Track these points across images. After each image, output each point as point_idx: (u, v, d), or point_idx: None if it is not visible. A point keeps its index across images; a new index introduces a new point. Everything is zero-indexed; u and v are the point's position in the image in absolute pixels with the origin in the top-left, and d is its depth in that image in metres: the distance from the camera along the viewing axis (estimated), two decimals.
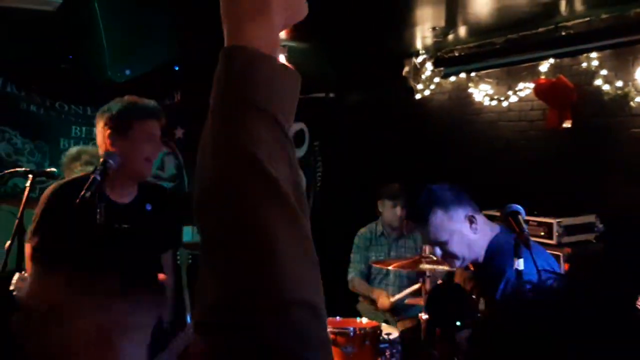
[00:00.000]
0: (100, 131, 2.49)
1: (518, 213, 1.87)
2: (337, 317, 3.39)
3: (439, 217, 2.30)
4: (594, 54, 4.16)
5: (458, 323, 1.36)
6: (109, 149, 2.46)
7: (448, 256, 2.34)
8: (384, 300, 4.28)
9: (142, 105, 2.52)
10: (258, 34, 0.72)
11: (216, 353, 0.65)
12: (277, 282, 0.65)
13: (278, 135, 0.71)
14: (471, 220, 2.28)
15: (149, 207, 2.58)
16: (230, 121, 0.70)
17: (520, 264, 1.74)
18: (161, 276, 2.78)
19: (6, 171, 3.20)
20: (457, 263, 2.32)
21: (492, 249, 2.22)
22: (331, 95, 6.52)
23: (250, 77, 0.70)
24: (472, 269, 2.37)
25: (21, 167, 4.26)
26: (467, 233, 2.28)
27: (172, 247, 2.80)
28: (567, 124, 4.34)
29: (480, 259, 2.29)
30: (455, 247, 2.28)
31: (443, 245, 2.31)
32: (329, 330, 3.07)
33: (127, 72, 3.80)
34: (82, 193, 2.13)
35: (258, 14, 0.72)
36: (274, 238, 0.66)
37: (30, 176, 2.99)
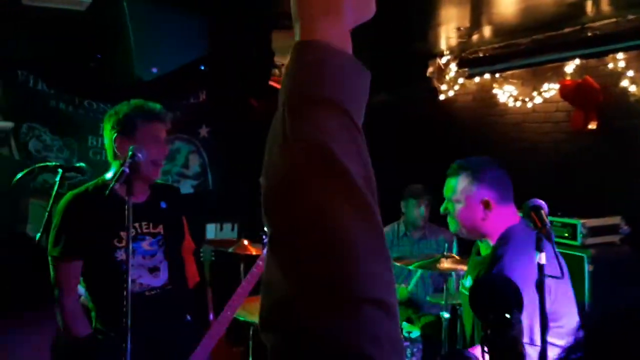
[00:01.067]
0: (107, 134, 2.55)
1: (540, 208, 1.86)
2: None
3: (461, 182, 2.33)
4: (620, 55, 4.12)
5: (507, 316, 1.34)
6: (116, 152, 2.51)
7: (449, 216, 2.38)
8: (401, 290, 4.30)
9: (147, 108, 2.55)
10: (330, 30, 0.73)
11: (282, 350, 0.64)
12: (349, 278, 0.63)
13: (350, 129, 0.70)
14: (486, 204, 2.28)
15: (163, 204, 2.64)
16: (302, 114, 0.70)
17: (542, 258, 1.74)
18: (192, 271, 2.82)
19: (36, 165, 3.27)
20: (456, 229, 2.37)
21: (502, 237, 2.23)
22: None
23: (321, 71, 0.71)
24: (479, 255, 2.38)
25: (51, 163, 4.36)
26: (476, 213, 2.29)
27: (182, 241, 2.81)
28: (592, 126, 4.30)
29: (488, 248, 2.30)
30: (459, 215, 2.32)
31: (450, 203, 2.35)
32: None
33: (154, 70, 3.86)
34: (111, 185, 2.17)
35: (330, 11, 0.74)
36: (346, 233, 0.64)
37: (60, 171, 3.06)
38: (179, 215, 2.75)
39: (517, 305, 1.39)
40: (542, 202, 1.91)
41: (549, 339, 1.90)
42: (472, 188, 2.30)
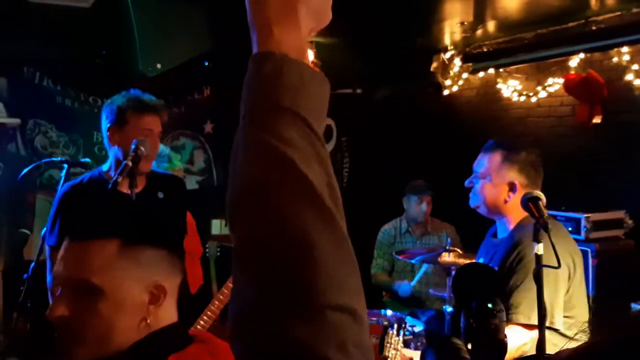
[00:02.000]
0: (102, 124, 2.55)
1: (538, 199, 1.87)
2: None
3: (493, 159, 2.31)
4: (625, 49, 4.10)
5: (490, 306, 1.35)
6: (109, 142, 2.51)
7: (472, 190, 2.37)
8: (404, 287, 4.31)
9: (141, 99, 2.51)
10: (286, 39, 0.74)
11: (249, 358, 0.65)
12: (312, 285, 0.63)
13: (310, 137, 0.72)
14: (511, 187, 2.27)
15: (160, 195, 2.59)
16: (261, 124, 0.72)
17: (539, 248, 1.75)
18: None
19: (43, 160, 3.30)
20: (473, 202, 2.35)
21: (520, 225, 2.23)
22: (358, 91, 6.54)
23: (279, 81, 0.72)
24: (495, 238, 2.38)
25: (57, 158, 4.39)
26: (500, 193, 2.28)
27: (183, 234, 2.77)
28: (597, 120, 4.29)
29: (502, 227, 2.30)
30: (483, 191, 2.31)
31: (477, 177, 2.34)
32: None
33: (158, 66, 3.88)
34: (115, 178, 2.19)
35: (285, 19, 0.74)
36: (309, 239, 0.65)
37: (66, 166, 3.09)
38: (178, 207, 2.69)
39: (499, 294, 1.40)
40: (539, 193, 1.92)
41: (561, 328, 1.93)
42: (502, 167, 2.29)
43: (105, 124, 2.53)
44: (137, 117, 2.47)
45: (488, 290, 1.42)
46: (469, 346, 1.42)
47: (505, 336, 1.41)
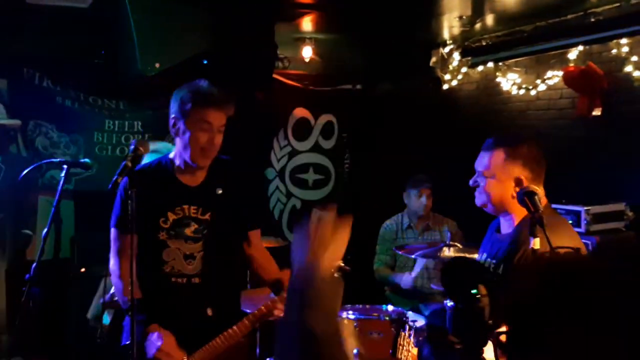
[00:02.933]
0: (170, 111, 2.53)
1: (534, 193, 1.88)
2: (364, 305, 3.43)
3: (495, 157, 2.30)
4: (624, 40, 4.09)
5: (474, 291, 1.43)
6: (175, 135, 2.50)
7: (478, 190, 2.36)
8: (408, 277, 4.32)
9: (202, 91, 2.46)
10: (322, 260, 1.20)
11: None
12: None
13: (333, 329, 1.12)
14: (517, 182, 2.26)
15: (219, 191, 2.55)
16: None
17: (535, 243, 1.76)
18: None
19: (42, 161, 3.31)
20: (481, 202, 2.34)
21: (525, 221, 2.22)
22: (359, 86, 6.54)
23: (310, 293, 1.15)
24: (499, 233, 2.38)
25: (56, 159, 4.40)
26: (506, 190, 2.27)
27: (253, 227, 2.71)
28: (597, 112, 4.28)
29: (511, 227, 2.30)
30: (488, 189, 2.30)
31: (481, 178, 2.33)
32: (356, 316, 3.12)
33: (156, 65, 3.89)
34: (115, 179, 2.20)
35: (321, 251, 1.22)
36: None
37: (65, 167, 3.09)
38: (238, 201, 2.62)
39: (482, 282, 1.45)
40: (535, 187, 1.92)
41: None
42: (506, 164, 2.29)
43: (170, 113, 2.51)
44: (197, 111, 2.43)
45: (472, 279, 1.47)
46: (457, 329, 1.49)
47: (490, 319, 1.47)
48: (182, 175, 2.55)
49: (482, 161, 2.36)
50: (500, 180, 2.29)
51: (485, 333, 1.45)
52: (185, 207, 2.51)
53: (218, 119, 2.47)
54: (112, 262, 2.56)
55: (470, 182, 2.41)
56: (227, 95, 2.55)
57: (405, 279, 4.37)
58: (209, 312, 2.53)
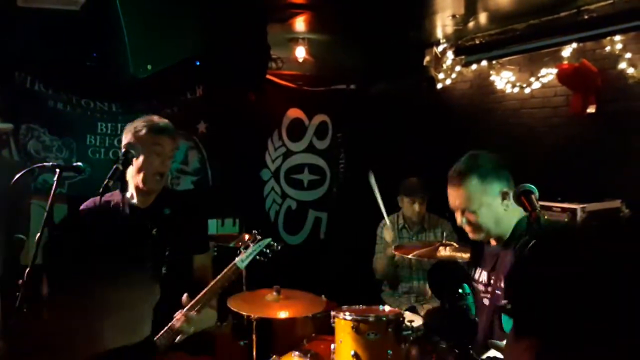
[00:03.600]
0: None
1: (531, 192, 1.87)
2: (360, 306, 3.41)
3: (473, 186, 2.26)
4: (617, 37, 4.10)
5: (460, 290, 1.44)
6: (121, 166, 2.57)
7: (472, 226, 2.31)
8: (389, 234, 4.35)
9: (155, 122, 2.66)
10: None
11: None
12: None
13: None
14: (504, 196, 2.24)
15: (167, 211, 2.68)
16: None
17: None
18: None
19: (34, 165, 3.28)
20: (481, 235, 2.29)
21: (520, 227, 2.20)
22: (352, 86, 6.53)
23: None
24: (494, 244, 2.34)
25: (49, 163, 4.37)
26: (497, 207, 2.24)
27: (196, 252, 2.83)
28: (591, 109, 4.29)
29: (506, 236, 2.27)
30: (483, 219, 2.26)
31: (470, 214, 2.28)
32: (352, 317, 3.10)
33: (149, 67, 3.86)
34: (105, 182, 2.18)
35: None
36: None
37: (58, 170, 3.06)
38: (184, 221, 2.75)
39: (466, 282, 1.46)
40: (532, 187, 1.91)
41: None
42: (485, 187, 2.26)
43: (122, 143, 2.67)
44: (152, 139, 2.63)
45: (457, 280, 1.48)
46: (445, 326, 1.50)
47: (475, 316, 1.49)
48: (137, 199, 2.70)
49: (460, 198, 2.31)
50: (488, 204, 2.25)
51: (471, 329, 1.45)
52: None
53: (169, 145, 2.66)
54: None
55: (460, 222, 2.35)
56: (172, 126, 2.75)
57: (387, 234, 4.39)
58: None
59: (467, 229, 2.35)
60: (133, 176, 2.64)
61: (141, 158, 2.58)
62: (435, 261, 2.65)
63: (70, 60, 4.75)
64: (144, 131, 2.60)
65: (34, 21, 4.23)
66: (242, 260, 2.62)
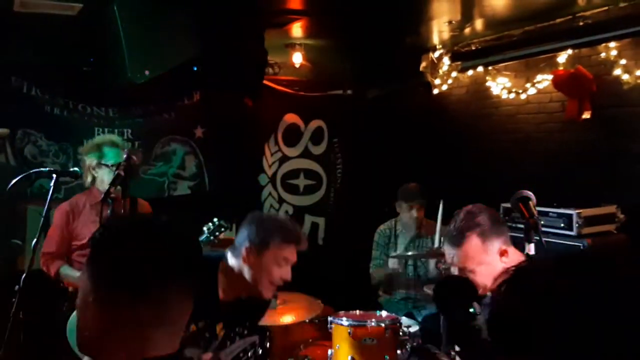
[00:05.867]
0: (239, 238, 2.40)
1: (528, 199, 1.87)
2: (358, 311, 3.42)
3: (473, 245, 2.19)
4: (612, 44, 4.12)
5: (471, 310, 1.39)
6: (244, 262, 2.35)
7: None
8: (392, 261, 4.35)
9: (288, 228, 2.39)
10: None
11: None
12: None
13: None
14: (503, 253, 2.19)
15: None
16: None
17: (531, 248, 1.75)
18: None
19: (32, 171, 3.28)
20: (478, 291, 2.19)
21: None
22: (349, 92, 6.55)
23: None
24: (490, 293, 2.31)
25: (46, 168, 4.36)
26: (496, 265, 2.18)
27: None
28: (586, 115, 4.31)
29: None
30: (480, 278, 2.18)
31: (468, 272, 2.21)
32: (349, 323, 3.11)
33: (146, 72, 3.86)
34: (108, 188, 2.18)
35: None
36: None
37: (54, 176, 3.07)
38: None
39: (476, 300, 1.43)
40: (529, 193, 1.91)
41: None
42: (485, 245, 2.19)
43: (244, 242, 2.37)
44: (278, 247, 2.34)
45: (467, 297, 1.45)
46: (457, 348, 1.45)
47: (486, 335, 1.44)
48: (224, 292, 2.39)
49: (459, 257, 2.24)
50: (487, 262, 2.19)
51: (484, 348, 1.41)
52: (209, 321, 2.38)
53: (295, 256, 2.39)
54: None
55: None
56: (302, 233, 2.46)
57: (392, 262, 4.40)
58: None
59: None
60: (248, 277, 2.36)
61: (261, 266, 2.32)
62: (443, 277, 2.61)
63: (67, 66, 4.75)
64: (274, 238, 2.33)
65: (31, 26, 4.23)
66: (225, 354, 2.35)
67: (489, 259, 2.18)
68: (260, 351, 2.44)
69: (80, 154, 3.57)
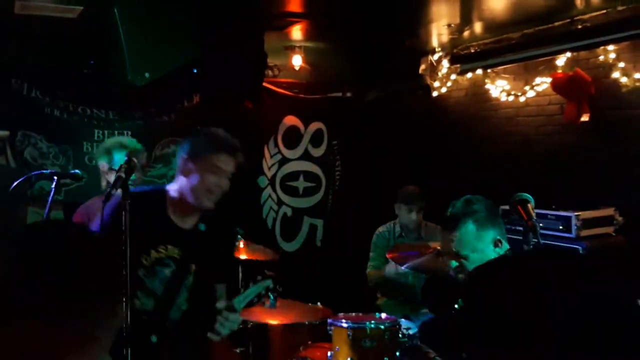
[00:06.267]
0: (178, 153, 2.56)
1: (527, 201, 1.88)
2: (357, 313, 3.43)
3: (469, 232, 2.24)
4: (611, 47, 4.14)
5: (456, 306, 1.43)
6: (180, 175, 2.52)
7: (461, 270, 2.29)
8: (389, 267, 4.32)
9: (217, 137, 2.53)
10: None
11: None
12: None
13: None
14: (497, 244, 2.23)
15: (203, 227, 2.55)
16: None
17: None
18: None
19: (32, 173, 3.29)
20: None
21: None
22: (348, 94, 6.56)
23: None
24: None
25: (46, 170, 4.37)
26: (490, 254, 2.22)
27: (216, 280, 2.71)
28: (585, 118, 4.32)
29: None
30: (473, 265, 2.23)
31: (461, 258, 2.27)
32: (349, 325, 3.12)
33: (146, 75, 3.87)
34: (108, 191, 2.18)
35: None
36: None
37: (55, 178, 3.08)
38: (217, 245, 2.65)
39: (462, 297, 1.45)
40: (528, 196, 1.93)
41: None
42: (479, 234, 2.24)
43: (180, 152, 2.55)
44: (210, 156, 2.48)
45: (453, 295, 1.47)
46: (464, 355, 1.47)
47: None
48: (174, 214, 2.54)
49: (454, 244, 2.30)
50: (480, 250, 2.24)
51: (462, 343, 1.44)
52: (170, 247, 2.50)
53: (229, 165, 2.52)
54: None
55: (453, 273, 2.33)
56: (238, 144, 2.58)
57: (389, 268, 4.39)
58: (154, 339, 2.49)
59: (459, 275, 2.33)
60: (185, 189, 2.51)
61: (196, 176, 2.47)
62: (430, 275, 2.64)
63: (67, 68, 4.77)
64: (203, 148, 2.49)
65: (31, 28, 4.25)
66: (239, 301, 2.45)
67: (482, 247, 2.23)
68: (275, 294, 2.52)
69: (93, 157, 3.57)
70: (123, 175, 2.25)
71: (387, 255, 3.87)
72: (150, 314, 2.47)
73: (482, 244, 2.24)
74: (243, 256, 4.03)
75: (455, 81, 5.41)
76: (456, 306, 1.45)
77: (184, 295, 2.52)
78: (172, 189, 2.55)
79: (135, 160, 2.35)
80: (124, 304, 2.07)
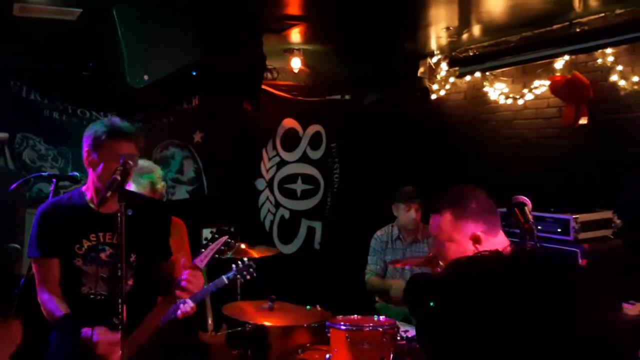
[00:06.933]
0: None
1: (524, 204, 1.89)
2: (355, 316, 3.43)
3: (446, 220, 2.22)
4: (609, 50, 4.15)
5: (432, 304, 1.43)
6: (85, 164, 2.64)
7: (440, 255, 2.30)
8: (400, 283, 4.29)
9: (115, 125, 2.62)
10: None
11: None
12: None
13: None
14: (476, 239, 2.17)
15: (130, 212, 2.53)
16: None
17: None
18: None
19: (30, 176, 3.29)
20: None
21: None
22: (347, 97, 6.57)
23: None
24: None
25: (45, 172, 4.37)
26: (467, 247, 2.18)
27: (161, 258, 2.79)
28: (583, 121, 4.33)
29: None
30: (449, 254, 2.20)
31: (439, 243, 2.26)
32: (347, 327, 3.12)
33: (145, 77, 3.88)
34: (103, 193, 2.19)
35: None
36: None
37: (54, 180, 3.08)
38: (148, 224, 2.70)
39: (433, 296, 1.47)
40: (525, 199, 1.93)
41: None
42: (457, 225, 2.19)
43: (83, 146, 2.64)
44: (111, 144, 2.57)
45: (428, 291, 1.48)
46: None
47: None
48: (94, 203, 2.65)
49: (435, 226, 2.28)
50: (458, 241, 2.20)
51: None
52: (100, 234, 2.62)
53: (129, 150, 2.59)
54: (40, 295, 2.61)
55: (433, 251, 2.31)
56: (137, 128, 2.72)
57: (395, 287, 4.36)
58: (115, 320, 2.54)
59: (440, 262, 2.35)
60: (94, 181, 2.63)
61: (101, 165, 2.56)
62: (410, 277, 2.64)
63: (66, 70, 4.77)
64: (103, 137, 2.56)
65: (30, 31, 4.25)
66: (200, 260, 2.62)
67: (459, 239, 2.20)
68: (234, 244, 2.69)
69: None
70: (119, 177, 2.27)
71: (389, 263, 3.87)
72: (104, 296, 2.61)
73: (459, 236, 2.20)
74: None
75: (453, 84, 5.42)
76: (432, 304, 1.44)
77: (130, 273, 2.63)
78: (86, 184, 2.70)
79: (131, 162, 2.37)
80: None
